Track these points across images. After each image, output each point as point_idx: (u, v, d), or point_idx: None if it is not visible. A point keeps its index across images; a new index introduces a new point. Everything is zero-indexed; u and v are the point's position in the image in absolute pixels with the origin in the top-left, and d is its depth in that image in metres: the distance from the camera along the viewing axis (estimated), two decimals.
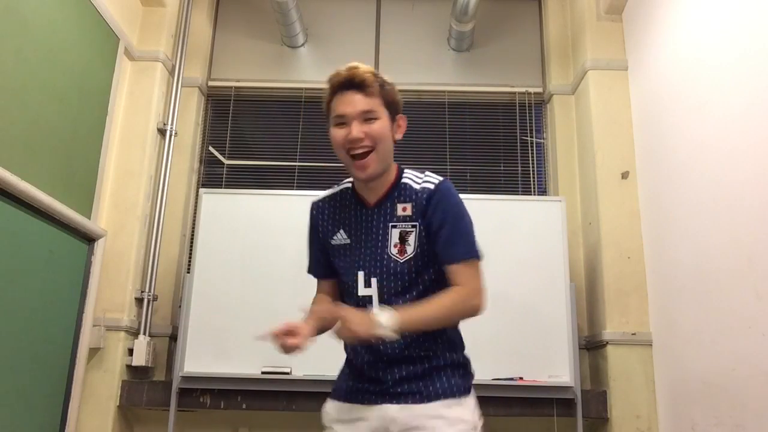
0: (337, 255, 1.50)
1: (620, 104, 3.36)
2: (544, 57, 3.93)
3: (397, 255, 1.42)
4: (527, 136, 3.79)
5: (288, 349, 1.27)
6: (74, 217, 2.79)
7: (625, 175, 3.23)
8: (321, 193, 1.60)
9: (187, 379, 2.98)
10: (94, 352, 2.99)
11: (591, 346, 3.21)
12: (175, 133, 3.52)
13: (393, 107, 1.47)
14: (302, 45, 3.96)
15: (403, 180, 1.50)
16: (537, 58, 3.95)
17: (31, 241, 2.53)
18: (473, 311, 1.38)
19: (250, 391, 2.98)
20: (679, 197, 2.70)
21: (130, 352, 3.10)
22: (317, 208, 1.58)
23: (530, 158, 3.75)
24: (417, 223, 1.43)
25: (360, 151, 1.40)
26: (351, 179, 1.55)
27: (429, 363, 1.41)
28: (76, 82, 2.87)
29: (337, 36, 3.98)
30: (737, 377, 1.84)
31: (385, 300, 1.42)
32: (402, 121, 1.50)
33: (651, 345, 2.96)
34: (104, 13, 3.07)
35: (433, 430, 1.33)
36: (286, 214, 3.11)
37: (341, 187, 1.57)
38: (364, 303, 1.43)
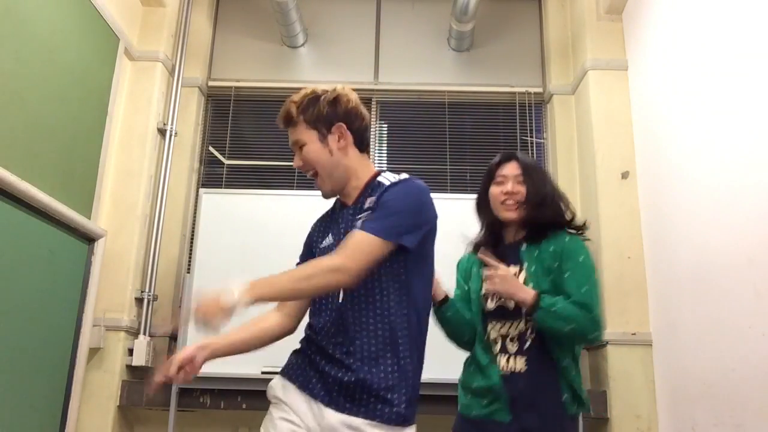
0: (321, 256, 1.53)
1: (620, 104, 3.36)
2: (544, 57, 3.92)
3: None
4: (527, 136, 3.79)
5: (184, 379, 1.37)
6: (74, 217, 2.79)
7: (625, 175, 3.23)
8: (290, 204, 1.73)
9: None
10: (94, 352, 2.99)
11: (591, 346, 3.21)
12: (175, 133, 3.52)
13: (321, 123, 1.50)
14: (302, 45, 3.95)
15: (378, 179, 1.53)
16: (537, 58, 3.95)
17: (31, 241, 2.53)
18: (338, 278, 1.33)
19: (250, 391, 2.98)
20: (679, 197, 2.70)
21: (130, 352, 3.10)
22: (314, 227, 1.68)
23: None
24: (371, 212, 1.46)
25: (308, 174, 1.55)
26: None
27: (366, 375, 1.38)
28: (76, 82, 2.87)
29: (337, 36, 3.98)
30: (737, 377, 1.84)
31: (347, 290, 1.43)
32: (337, 129, 1.51)
33: (651, 345, 2.96)
34: (104, 13, 3.07)
35: None
36: (286, 214, 3.11)
37: (335, 200, 1.65)
38: (333, 294, 1.47)
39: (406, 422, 1.38)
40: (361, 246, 1.35)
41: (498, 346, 1.77)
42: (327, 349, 1.43)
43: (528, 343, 1.73)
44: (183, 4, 3.73)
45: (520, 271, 1.78)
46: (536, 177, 1.83)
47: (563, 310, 1.64)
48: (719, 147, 2.40)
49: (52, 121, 2.69)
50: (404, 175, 1.52)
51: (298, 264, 1.65)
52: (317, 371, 1.43)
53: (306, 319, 1.59)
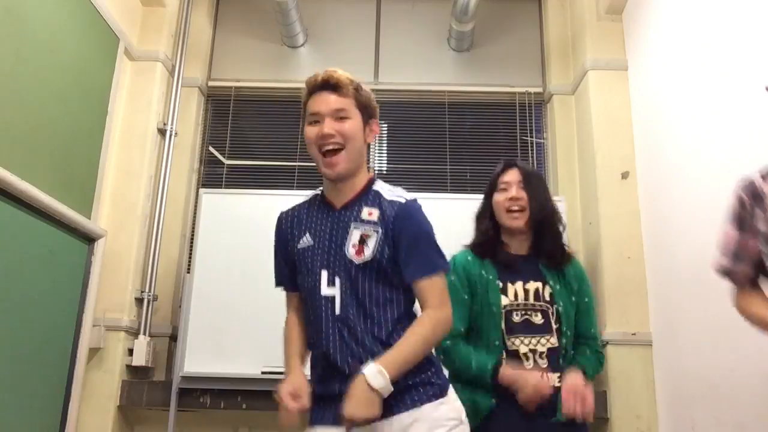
0: (302, 258, 1.51)
1: (620, 104, 3.36)
2: (544, 57, 3.92)
3: (354, 255, 1.43)
4: (527, 136, 3.79)
5: (292, 415, 1.37)
6: (74, 217, 2.79)
7: (625, 175, 3.23)
8: (290, 204, 1.64)
9: (187, 379, 2.98)
10: (94, 352, 2.99)
11: None
12: (175, 133, 3.52)
13: (366, 111, 1.51)
14: (302, 45, 3.95)
15: (375, 187, 1.53)
16: (537, 58, 3.95)
17: (31, 241, 2.53)
18: (446, 329, 1.43)
19: (250, 391, 2.98)
20: (679, 197, 2.70)
21: (130, 352, 3.10)
22: (284, 219, 1.62)
23: (530, 158, 3.75)
24: (380, 230, 1.44)
25: (330, 147, 1.45)
26: (322, 188, 1.59)
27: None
28: (76, 82, 2.87)
29: (337, 36, 3.98)
30: (737, 377, 1.84)
31: (344, 301, 1.42)
32: (375, 126, 1.54)
33: (651, 345, 2.95)
34: (104, 13, 3.07)
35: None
36: None
37: (311, 195, 1.62)
38: (326, 302, 1.44)
39: (444, 391, 1.43)
40: (442, 290, 1.44)
41: (530, 362, 1.76)
42: (342, 367, 1.40)
43: (561, 361, 1.78)
44: (183, 4, 3.73)
45: (544, 286, 1.80)
46: (536, 184, 1.86)
47: (595, 366, 1.90)
48: (719, 147, 2.40)
49: (52, 121, 2.69)
50: (401, 193, 1.52)
51: (278, 272, 1.61)
52: (333, 401, 1.39)
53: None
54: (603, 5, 3.49)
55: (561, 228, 1.88)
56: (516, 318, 1.78)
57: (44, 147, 2.63)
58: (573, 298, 1.80)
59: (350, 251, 1.43)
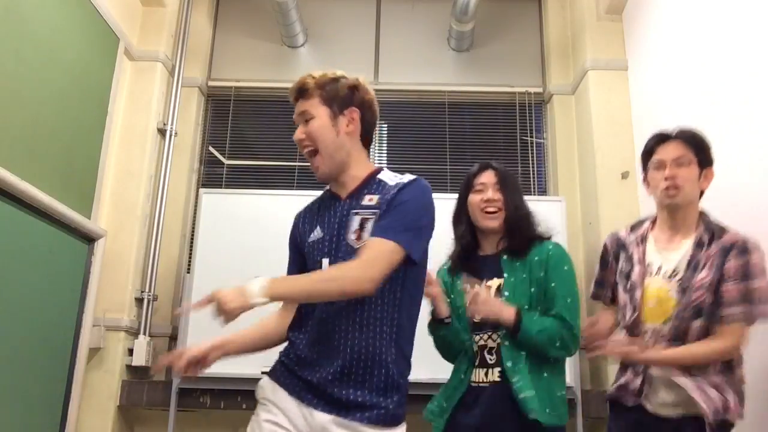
0: (311, 251, 1.51)
1: (620, 104, 3.36)
2: (544, 57, 3.92)
3: (355, 240, 1.42)
4: (527, 136, 3.79)
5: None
6: (74, 217, 2.79)
7: (625, 175, 3.23)
8: (290, 204, 1.68)
9: (187, 379, 2.98)
10: (94, 352, 2.99)
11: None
12: (175, 133, 3.52)
13: (336, 102, 1.49)
14: (302, 45, 3.95)
15: (379, 176, 1.52)
16: (537, 58, 3.95)
17: (31, 241, 2.53)
18: (357, 286, 1.31)
19: (250, 391, 2.94)
20: None
21: (130, 352, 3.10)
22: (298, 217, 1.64)
23: (530, 158, 3.75)
24: (378, 212, 1.42)
25: (305, 150, 1.51)
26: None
27: (356, 379, 1.37)
28: (76, 82, 2.87)
29: (337, 36, 3.98)
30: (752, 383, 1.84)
31: None
32: (353, 113, 1.51)
33: None
34: (104, 13, 3.07)
35: None
36: (286, 214, 3.07)
37: (323, 191, 1.62)
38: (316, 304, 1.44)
39: (396, 422, 1.38)
40: (381, 253, 1.34)
41: (478, 359, 1.77)
42: (312, 355, 1.41)
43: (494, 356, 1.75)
44: (183, 4, 3.73)
45: (496, 293, 1.79)
46: (511, 186, 1.86)
47: (550, 327, 1.70)
48: (719, 147, 2.40)
49: (52, 121, 2.69)
50: (409, 176, 1.50)
51: (289, 263, 1.62)
52: (303, 379, 1.41)
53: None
54: (603, 5, 3.49)
55: (536, 227, 1.87)
56: (477, 317, 1.80)
57: (44, 147, 2.63)
58: (532, 288, 1.75)
59: (351, 237, 1.43)
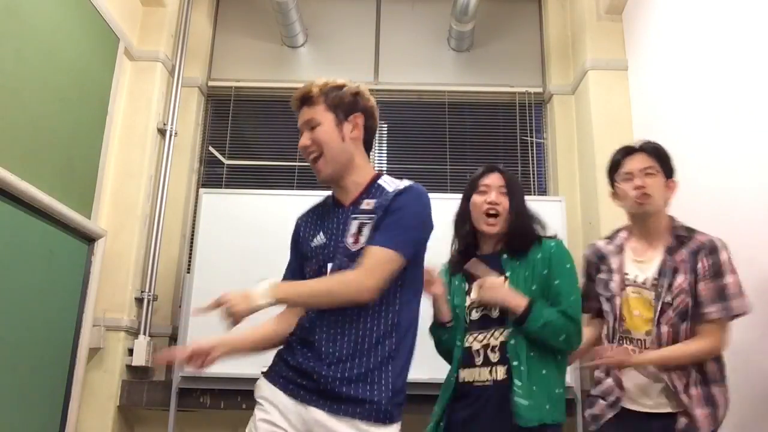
0: (314, 256, 1.53)
1: (620, 104, 3.36)
2: (544, 57, 3.92)
3: (352, 244, 1.46)
4: (527, 136, 3.79)
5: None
6: (74, 217, 2.79)
7: None
8: (290, 204, 1.70)
9: (187, 379, 2.98)
10: (94, 352, 2.99)
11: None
12: (175, 133, 3.52)
13: (341, 108, 1.53)
14: (302, 45, 3.96)
15: (379, 181, 1.55)
16: (537, 58, 3.95)
17: (31, 241, 2.53)
18: (358, 294, 1.37)
19: (250, 391, 2.95)
20: (679, 197, 2.69)
21: (130, 352, 3.10)
22: (299, 222, 1.67)
23: (530, 158, 3.75)
24: (375, 216, 1.46)
25: (311, 156, 1.53)
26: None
27: (350, 376, 1.39)
28: (76, 82, 2.87)
29: (337, 36, 3.98)
30: (737, 377, 1.84)
31: None
32: (357, 119, 1.55)
33: None
34: (104, 13, 3.07)
35: None
36: (286, 214, 3.07)
37: (326, 196, 1.65)
38: None
39: (390, 419, 1.39)
40: (380, 261, 1.39)
41: (481, 358, 1.76)
42: (308, 353, 1.43)
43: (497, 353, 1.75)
44: (183, 4, 3.73)
45: (505, 280, 1.79)
46: (516, 191, 1.86)
47: (556, 321, 1.69)
48: (719, 147, 2.40)
49: (52, 121, 2.69)
50: (407, 182, 1.52)
51: (289, 265, 1.65)
52: (298, 376, 1.43)
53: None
54: (603, 5, 3.49)
55: (539, 227, 1.87)
56: (475, 315, 1.80)
57: (44, 147, 2.63)
58: (533, 286, 1.74)
59: (349, 241, 1.47)
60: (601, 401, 1.90)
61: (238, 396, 3.00)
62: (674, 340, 1.77)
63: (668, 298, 1.78)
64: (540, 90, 3.86)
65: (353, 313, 1.42)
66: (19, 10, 2.44)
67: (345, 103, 1.53)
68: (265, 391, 1.51)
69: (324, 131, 1.51)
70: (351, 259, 1.43)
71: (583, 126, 3.50)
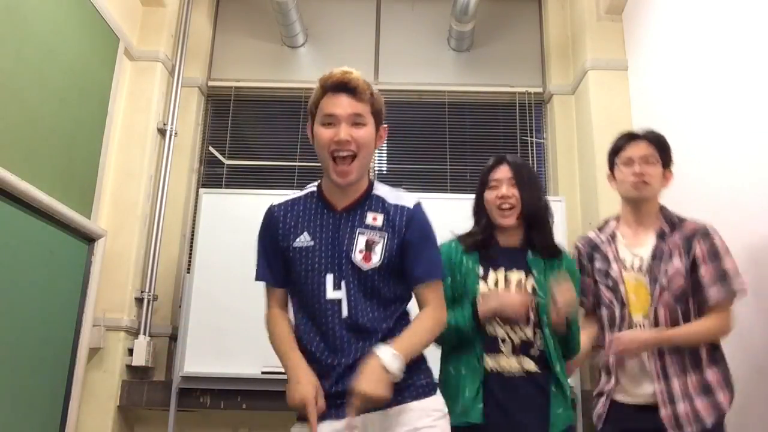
0: (298, 258, 1.48)
1: (620, 104, 3.36)
2: (544, 57, 3.93)
3: (362, 261, 1.44)
4: (527, 136, 3.79)
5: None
6: (74, 217, 2.79)
7: None
8: (280, 198, 1.59)
9: (187, 379, 2.98)
10: (94, 352, 2.99)
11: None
12: (175, 133, 3.52)
13: (379, 117, 1.49)
14: (302, 45, 3.96)
15: (376, 191, 1.52)
16: (537, 58, 3.95)
17: (31, 241, 2.53)
18: (442, 330, 1.51)
19: (250, 391, 2.98)
20: (679, 197, 2.69)
21: (130, 352, 3.10)
22: (277, 212, 1.56)
23: (530, 158, 3.75)
24: (386, 235, 1.45)
25: (344, 154, 1.41)
26: (317, 183, 1.56)
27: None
28: (76, 82, 2.87)
29: (337, 36, 3.98)
30: (737, 378, 1.84)
31: (352, 304, 1.42)
32: (384, 132, 1.52)
33: None
34: (104, 13, 3.07)
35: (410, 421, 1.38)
36: None
37: (306, 191, 1.58)
38: (332, 306, 1.43)
39: (433, 390, 1.47)
40: (441, 294, 1.52)
41: (508, 345, 1.75)
42: (335, 366, 1.40)
43: (533, 350, 1.74)
44: (183, 4, 3.73)
45: (526, 277, 1.79)
46: (527, 179, 1.85)
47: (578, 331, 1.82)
48: (719, 147, 2.41)
49: (52, 121, 2.69)
50: (405, 195, 1.52)
51: (268, 265, 1.58)
52: (336, 398, 1.38)
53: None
54: (603, 5, 3.50)
55: (551, 223, 1.88)
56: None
57: (44, 147, 2.63)
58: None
59: (357, 257, 1.44)
60: (602, 399, 1.92)
61: (238, 396, 3.00)
62: (672, 322, 1.80)
63: (663, 281, 1.81)
64: (540, 90, 3.86)
65: (378, 338, 1.42)
66: (19, 9, 2.44)
67: (382, 112, 1.50)
68: None
69: (369, 134, 1.44)
70: (362, 278, 1.43)
71: (583, 126, 3.51)
